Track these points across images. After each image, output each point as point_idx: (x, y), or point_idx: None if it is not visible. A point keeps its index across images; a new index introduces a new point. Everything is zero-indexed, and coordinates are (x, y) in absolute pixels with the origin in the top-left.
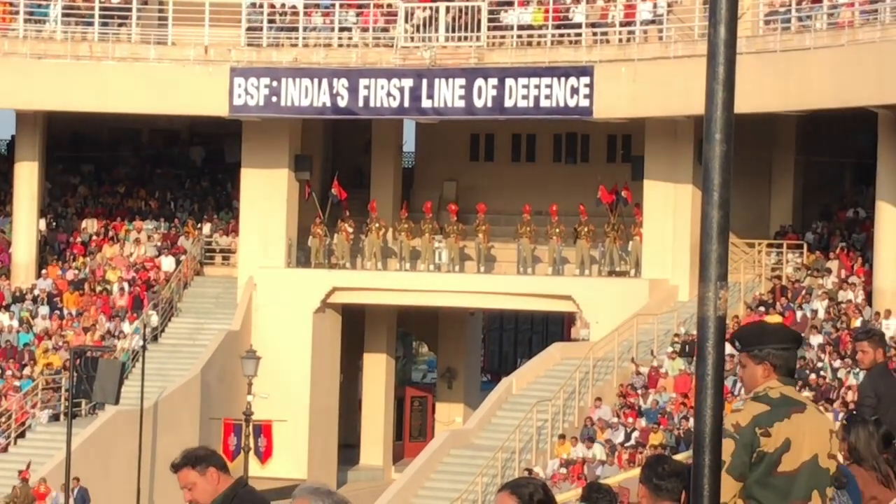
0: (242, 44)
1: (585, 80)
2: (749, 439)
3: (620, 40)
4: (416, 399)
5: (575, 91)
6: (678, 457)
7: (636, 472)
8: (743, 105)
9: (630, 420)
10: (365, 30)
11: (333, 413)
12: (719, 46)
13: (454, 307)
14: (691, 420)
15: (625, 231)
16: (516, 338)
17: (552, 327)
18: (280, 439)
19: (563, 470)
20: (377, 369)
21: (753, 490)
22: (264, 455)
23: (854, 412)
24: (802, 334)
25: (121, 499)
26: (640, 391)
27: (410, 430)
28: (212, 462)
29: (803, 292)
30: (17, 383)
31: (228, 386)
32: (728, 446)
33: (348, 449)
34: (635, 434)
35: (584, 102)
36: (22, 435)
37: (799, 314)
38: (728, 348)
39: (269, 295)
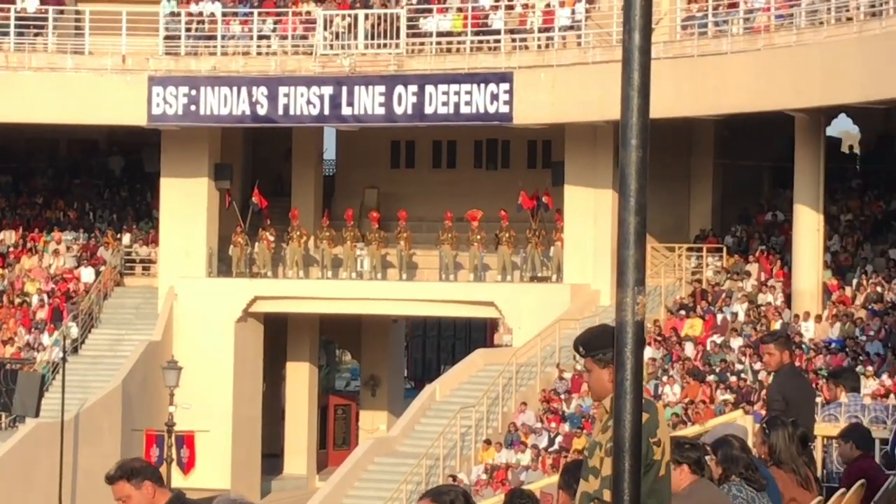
0: (160, 52)
1: (505, 86)
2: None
3: (539, 46)
4: (339, 407)
5: (495, 97)
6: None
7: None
8: (661, 110)
9: (553, 425)
10: (284, 38)
11: (256, 422)
12: (634, 53)
13: (377, 315)
14: None
15: (546, 237)
16: (439, 344)
17: (475, 333)
18: (203, 450)
19: (486, 476)
20: (300, 378)
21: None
22: (187, 466)
23: (773, 415)
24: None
25: None
26: (563, 396)
27: (334, 438)
28: (147, 475)
29: (723, 295)
30: None
31: (150, 397)
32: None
33: (272, 458)
34: (559, 439)
35: (504, 109)
36: None
37: (719, 317)
38: (648, 352)
39: (190, 305)
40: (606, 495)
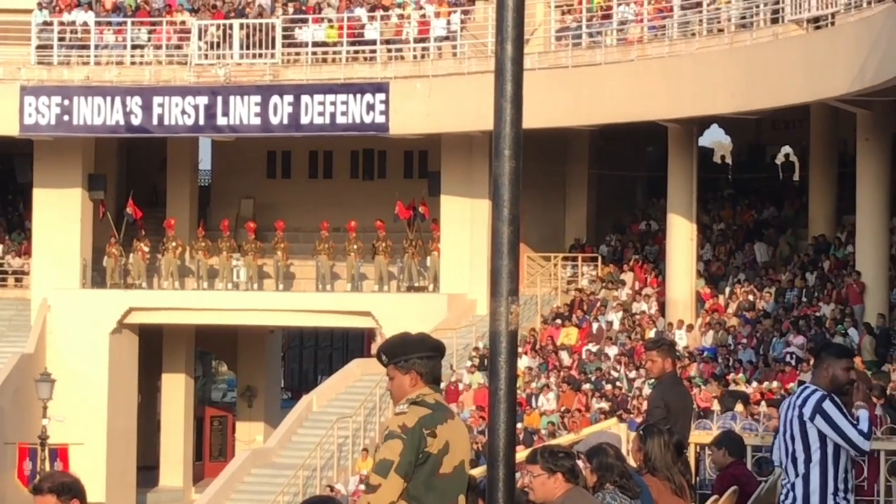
0: (32, 62)
1: (381, 96)
2: (416, 440)
3: (415, 56)
4: (215, 419)
5: (371, 107)
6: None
7: None
8: (536, 120)
9: None
10: (158, 47)
11: (132, 435)
12: (506, 63)
13: (253, 325)
14: None
15: (423, 246)
16: (316, 355)
17: (352, 343)
18: (77, 462)
19: (363, 486)
20: (176, 389)
21: (418, 491)
22: None
23: (649, 423)
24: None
25: None
26: None
27: (211, 449)
28: (77, 494)
29: (598, 304)
30: None
31: (23, 410)
32: (396, 447)
33: (147, 471)
34: None
35: (381, 119)
36: None
37: (595, 326)
38: (522, 362)
39: (63, 316)
40: (373, 478)
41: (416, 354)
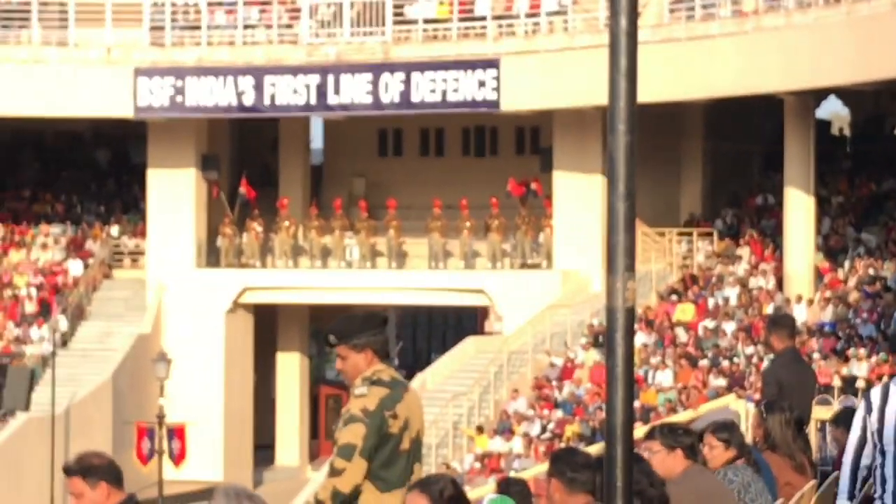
0: (146, 44)
1: (492, 72)
2: (378, 423)
3: (526, 32)
4: (330, 397)
5: (482, 84)
6: (593, 448)
7: None
8: (649, 94)
9: (546, 412)
10: (269, 27)
11: (248, 414)
12: (620, 37)
13: (367, 304)
14: None
15: (535, 223)
16: (430, 333)
17: (465, 321)
18: (194, 441)
19: (479, 465)
20: (291, 368)
21: (380, 469)
22: (178, 458)
23: (770, 400)
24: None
25: None
26: (555, 383)
27: (326, 428)
28: (104, 476)
29: (714, 280)
30: None
31: (140, 389)
32: (359, 430)
33: (264, 449)
34: (551, 426)
35: (492, 95)
36: None
37: (711, 302)
38: (638, 339)
39: (179, 296)
40: (338, 462)
41: (369, 332)
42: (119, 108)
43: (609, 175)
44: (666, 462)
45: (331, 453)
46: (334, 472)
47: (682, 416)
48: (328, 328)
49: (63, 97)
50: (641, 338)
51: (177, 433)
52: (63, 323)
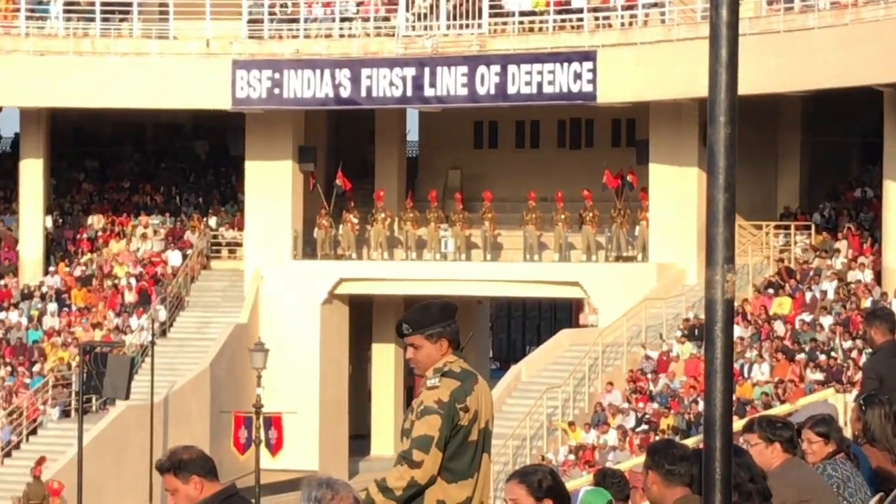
0: (244, 36)
1: (588, 64)
2: (451, 414)
3: (623, 24)
4: None
5: (578, 76)
6: (689, 441)
7: None
8: (747, 86)
9: (641, 405)
10: (366, 19)
11: (343, 404)
12: (721, 28)
13: (461, 296)
14: (702, 404)
15: (631, 216)
16: (524, 325)
17: (560, 314)
18: (291, 431)
19: (573, 457)
20: (386, 359)
21: (448, 462)
22: (275, 447)
23: (870, 393)
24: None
25: (133, 494)
26: (650, 376)
27: None
28: (195, 469)
29: (812, 273)
30: (27, 380)
31: (238, 379)
32: (435, 422)
33: (359, 439)
34: (646, 419)
35: (588, 87)
36: (33, 432)
37: (808, 295)
38: (737, 331)
39: (276, 287)
40: (416, 454)
41: (443, 322)
42: (217, 100)
43: (709, 167)
44: (764, 455)
45: None
46: (414, 465)
47: (779, 410)
48: (402, 317)
49: (163, 89)
50: (738, 331)
51: (273, 423)
52: (162, 313)
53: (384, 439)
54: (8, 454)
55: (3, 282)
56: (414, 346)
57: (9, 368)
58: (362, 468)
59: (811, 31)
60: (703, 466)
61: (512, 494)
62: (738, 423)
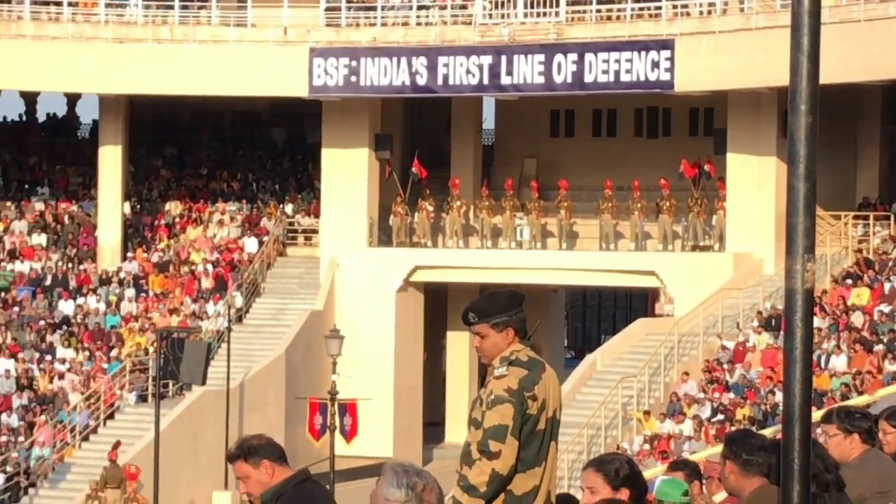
0: (321, 24)
1: (666, 53)
2: (521, 402)
3: (701, 13)
4: None
5: (656, 65)
6: (766, 431)
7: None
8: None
9: (716, 395)
10: (443, 7)
11: (418, 391)
12: (803, 17)
13: (537, 284)
14: (779, 394)
15: (708, 205)
16: (600, 314)
17: (636, 303)
18: (365, 418)
19: (648, 446)
20: (461, 347)
21: (519, 452)
22: (350, 434)
23: None
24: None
25: (208, 478)
26: (726, 366)
27: None
28: (265, 454)
29: (890, 264)
30: (104, 365)
31: (313, 365)
32: (507, 411)
33: (433, 427)
34: (722, 409)
35: (666, 76)
36: (111, 416)
37: (887, 286)
38: (815, 322)
39: (351, 274)
40: (493, 445)
41: (510, 311)
42: (294, 87)
43: (789, 156)
44: (842, 446)
45: None
46: (492, 456)
47: (857, 401)
48: (469, 306)
49: (240, 77)
50: (816, 322)
51: (348, 409)
52: (238, 299)
53: (458, 426)
54: (85, 438)
55: (81, 267)
56: (480, 335)
57: (87, 353)
58: (436, 455)
59: (892, 21)
60: (782, 456)
61: (589, 482)
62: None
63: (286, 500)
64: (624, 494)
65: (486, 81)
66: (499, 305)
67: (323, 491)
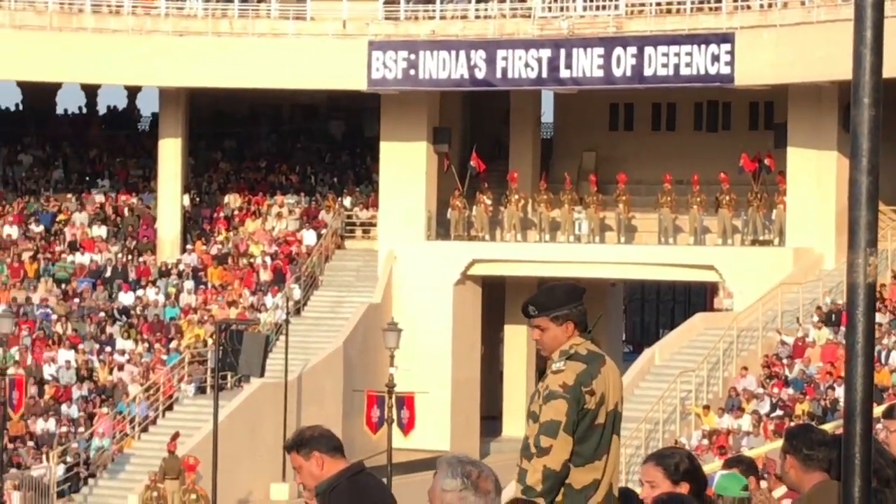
0: (380, 17)
1: (726, 46)
2: (577, 398)
3: (762, 6)
4: None
5: (716, 58)
6: (827, 426)
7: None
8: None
9: (776, 390)
10: (502, 1)
11: (475, 385)
12: (866, 9)
13: (595, 278)
14: (838, 389)
15: (768, 199)
16: (658, 308)
17: (694, 297)
18: (422, 411)
19: (707, 441)
20: (518, 341)
21: (576, 446)
22: (407, 427)
23: None
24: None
25: (267, 470)
26: (785, 361)
27: None
28: (316, 446)
29: None
30: (164, 357)
31: (370, 358)
32: (561, 407)
33: (491, 420)
34: (781, 404)
35: (726, 70)
36: (169, 408)
37: None
38: (877, 317)
39: (409, 267)
40: (543, 441)
41: (570, 304)
42: (353, 80)
43: (852, 149)
44: None
45: None
46: (542, 452)
47: None
48: (529, 298)
49: (299, 70)
50: (876, 317)
51: (406, 402)
52: (296, 291)
53: (516, 420)
54: (145, 429)
55: (141, 259)
56: (540, 328)
57: (146, 345)
58: (493, 449)
59: None
60: (843, 451)
61: (648, 476)
62: (876, 410)
63: (339, 492)
64: (684, 489)
65: (545, 75)
66: (559, 298)
67: (377, 482)
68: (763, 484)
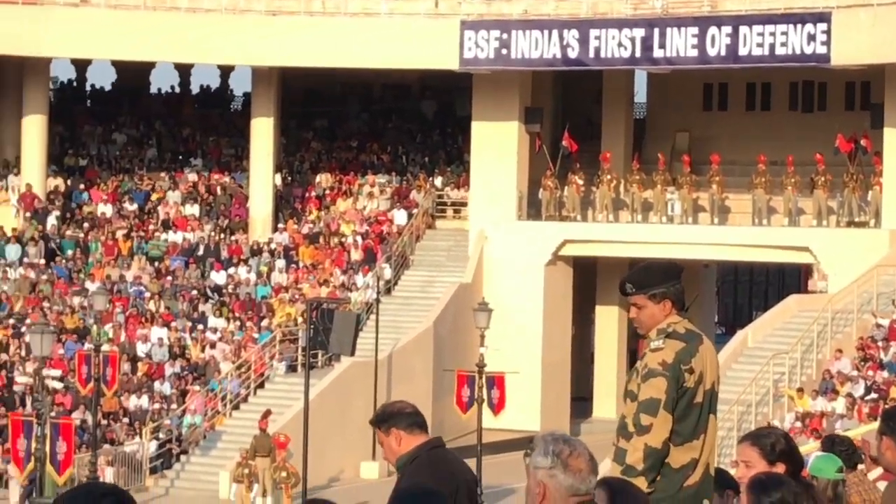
0: None
1: (823, 26)
2: (676, 376)
3: None
4: None
5: (812, 38)
6: None
7: (877, 425)
8: None
9: (870, 373)
10: None
11: (566, 366)
12: None
13: (688, 259)
14: None
15: (864, 181)
16: (751, 290)
17: (788, 279)
18: (513, 391)
19: (800, 424)
20: (609, 322)
21: (675, 425)
22: (497, 407)
23: None
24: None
25: (357, 449)
26: (880, 343)
27: None
28: (395, 423)
29: None
30: (255, 335)
31: (461, 338)
32: (661, 384)
33: (581, 402)
34: (876, 387)
35: (822, 49)
36: (261, 385)
37: None
38: None
39: (500, 247)
40: (644, 419)
41: (668, 282)
42: (445, 60)
43: None
44: None
45: None
46: (642, 430)
47: None
48: (626, 276)
49: (391, 49)
50: None
51: (496, 382)
52: (387, 271)
53: (606, 402)
54: (236, 407)
55: (233, 238)
56: (637, 306)
57: (238, 323)
58: (583, 430)
59: None
60: None
61: (744, 456)
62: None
63: (419, 464)
64: (780, 469)
65: (638, 54)
66: (655, 277)
67: (454, 457)
68: (860, 466)
